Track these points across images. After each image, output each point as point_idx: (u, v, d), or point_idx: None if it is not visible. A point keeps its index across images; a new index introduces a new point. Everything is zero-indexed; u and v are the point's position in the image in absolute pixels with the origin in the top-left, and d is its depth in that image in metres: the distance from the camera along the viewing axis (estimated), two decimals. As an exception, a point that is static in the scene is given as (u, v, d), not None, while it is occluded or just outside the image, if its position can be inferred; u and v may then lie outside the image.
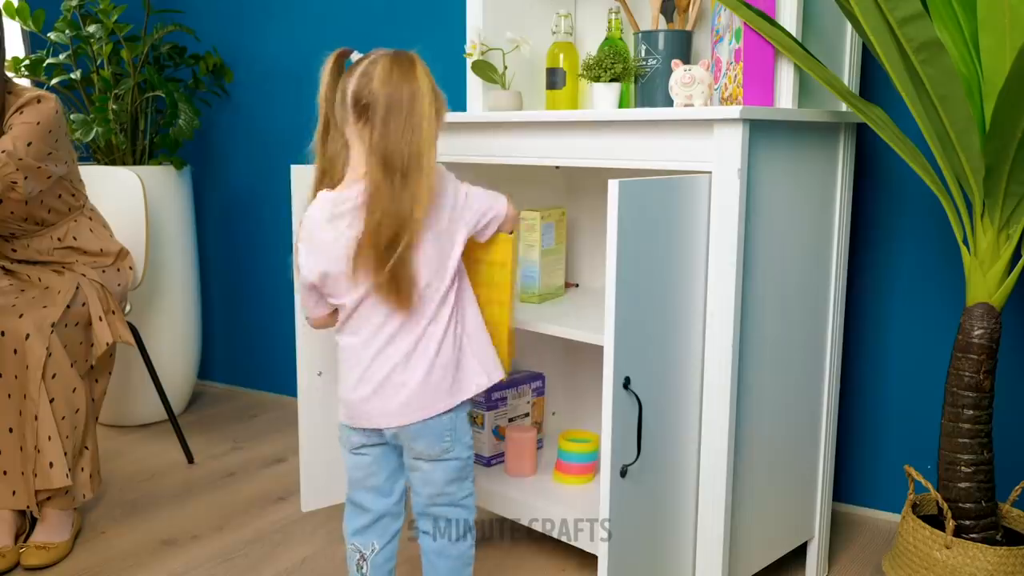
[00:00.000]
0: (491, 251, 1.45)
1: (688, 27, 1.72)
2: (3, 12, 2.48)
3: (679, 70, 1.52)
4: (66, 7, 2.55)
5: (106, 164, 2.63)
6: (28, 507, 1.82)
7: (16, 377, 1.80)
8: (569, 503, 1.74)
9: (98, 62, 2.59)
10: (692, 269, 1.42)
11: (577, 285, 2.09)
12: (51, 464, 1.79)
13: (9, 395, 1.81)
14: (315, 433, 1.82)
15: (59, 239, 2.01)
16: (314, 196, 1.34)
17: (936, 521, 1.54)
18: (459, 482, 1.40)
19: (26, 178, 1.83)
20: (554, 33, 1.85)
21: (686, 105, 1.51)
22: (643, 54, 1.69)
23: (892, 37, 1.34)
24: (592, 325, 1.60)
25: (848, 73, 1.63)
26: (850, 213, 1.69)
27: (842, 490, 2.08)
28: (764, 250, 1.47)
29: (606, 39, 1.82)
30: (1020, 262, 1.43)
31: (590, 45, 1.96)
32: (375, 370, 1.33)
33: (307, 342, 1.76)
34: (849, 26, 1.60)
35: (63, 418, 1.82)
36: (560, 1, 1.96)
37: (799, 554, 1.78)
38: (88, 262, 2.04)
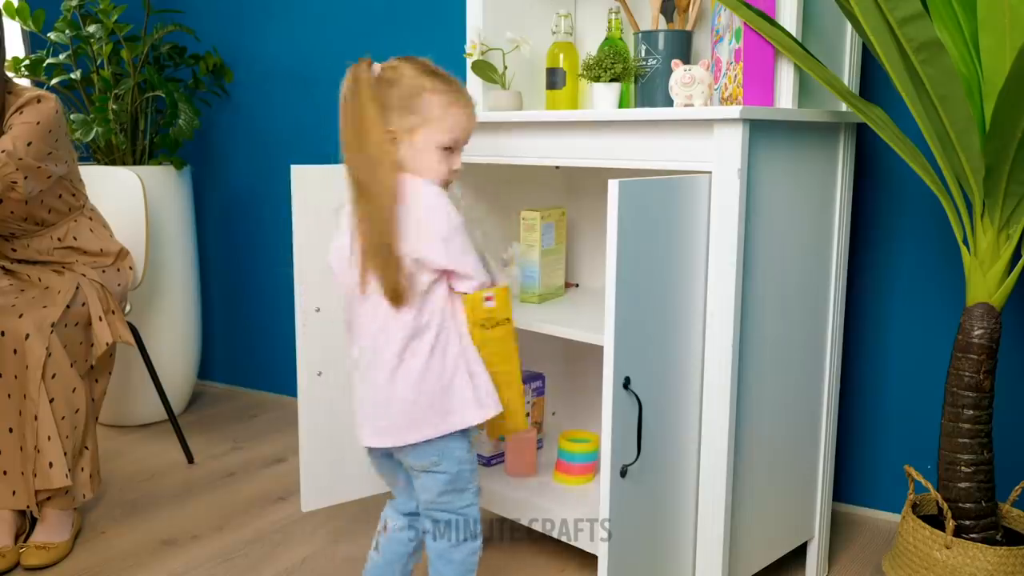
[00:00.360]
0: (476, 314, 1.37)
1: (688, 27, 1.72)
2: (3, 12, 2.49)
3: (679, 70, 1.52)
4: (66, 7, 2.55)
5: (106, 164, 2.63)
6: (28, 507, 1.82)
7: (16, 377, 1.80)
8: (569, 503, 1.74)
9: (98, 62, 2.59)
10: (692, 269, 1.42)
11: (577, 285, 2.09)
12: (51, 464, 1.79)
13: (9, 395, 1.81)
14: (315, 433, 1.82)
15: (59, 239, 2.01)
16: None
17: (936, 521, 1.54)
18: (454, 493, 1.38)
19: (26, 178, 1.83)
20: (554, 33, 1.85)
21: (686, 105, 1.51)
22: (643, 54, 1.69)
23: (892, 37, 1.34)
24: (592, 325, 1.60)
25: (848, 73, 1.63)
26: (850, 213, 1.69)
27: (842, 490, 2.08)
28: (764, 250, 1.47)
29: (606, 39, 1.82)
30: (1020, 262, 1.43)
31: (590, 45, 1.96)
32: (361, 389, 1.37)
33: (307, 342, 1.77)
34: (849, 26, 1.60)
35: (63, 418, 1.82)
36: (560, 1, 1.96)
37: (799, 554, 1.78)
38: (88, 262, 2.04)
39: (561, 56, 1.83)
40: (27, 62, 2.62)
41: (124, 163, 2.64)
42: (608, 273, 1.29)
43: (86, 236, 2.05)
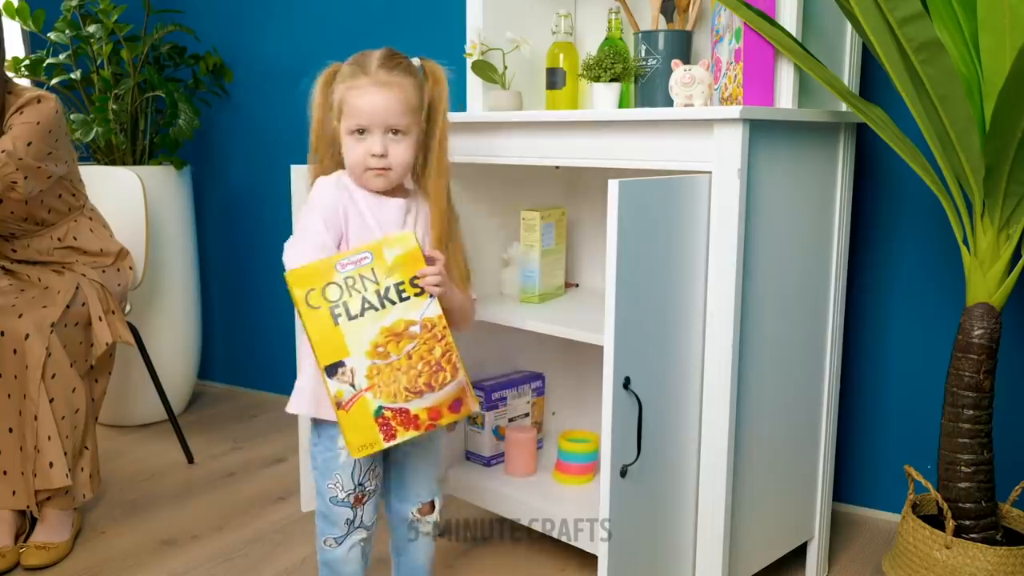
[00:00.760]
0: None
1: (688, 27, 1.72)
2: (3, 12, 2.49)
3: (679, 70, 1.52)
4: (66, 7, 2.55)
5: (106, 164, 2.63)
6: (28, 507, 1.82)
7: (16, 377, 1.80)
8: (569, 503, 1.74)
9: (98, 62, 2.59)
10: (692, 269, 1.42)
11: (577, 285, 2.09)
12: (51, 464, 1.79)
13: (9, 395, 1.81)
14: (315, 433, 1.82)
15: (59, 239, 2.01)
16: None
17: (936, 521, 1.54)
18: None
19: (26, 178, 1.83)
20: (554, 33, 1.85)
21: (686, 105, 1.51)
22: (643, 54, 1.69)
23: (892, 37, 1.34)
24: (592, 325, 1.60)
25: (848, 73, 1.63)
26: (850, 213, 1.69)
27: (842, 490, 2.08)
28: (764, 250, 1.47)
29: (606, 39, 1.82)
30: (1020, 262, 1.43)
31: (590, 45, 1.96)
32: None
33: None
34: (849, 26, 1.60)
35: (63, 418, 1.82)
36: (560, 1, 1.96)
37: (799, 554, 1.78)
38: (88, 262, 2.04)
39: (561, 56, 1.83)
40: (27, 62, 2.62)
41: (124, 163, 2.64)
42: (608, 273, 1.29)
43: (86, 236, 2.05)
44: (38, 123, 1.84)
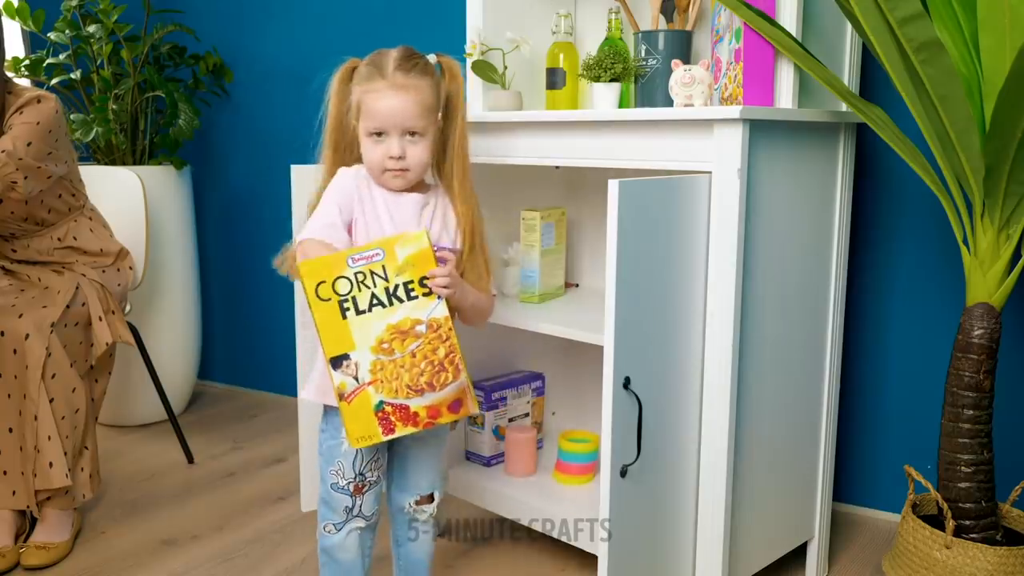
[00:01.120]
0: None
1: (688, 27, 1.72)
2: (3, 12, 2.49)
3: (679, 70, 1.52)
4: (66, 7, 2.55)
5: (106, 164, 2.63)
6: (28, 507, 1.82)
7: (16, 377, 1.80)
8: (569, 503, 1.74)
9: (98, 62, 2.59)
10: (692, 269, 1.42)
11: (577, 285, 2.09)
12: (51, 464, 1.79)
13: (9, 395, 1.81)
14: (315, 433, 1.81)
15: (59, 239, 2.01)
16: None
17: (936, 521, 1.54)
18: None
19: (26, 178, 1.83)
20: (554, 33, 1.85)
21: (686, 105, 1.51)
22: (643, 54, 1.69)
23: (892, 37, 1.34)
24: (592, 325, 1.60)
25: (848, 73, 1.63)
26: (850, 213, 1.69)
27: (842, 490, 2.08)
28: (764, 250, 1.47)
29: (606, 39, 1.82)
30: (1020, 262, 1.43)
31: (590, 45, 1.96)
32: None
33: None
34: (849, 26, 1.59)
35: (63, 418, 1.82)
36: (560, 1, 1.96)
37: (799, 554, 1.78)
38: (88, 262, 2.04)
39: (561, 56, 1.83)
40: (27, 62, 2.62)
41: (124, 163, 2.64)
42: (608, 273, 1.29)
43: (86, 236, 2.05)
44: (38, 123, 1.84)
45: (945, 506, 1.48)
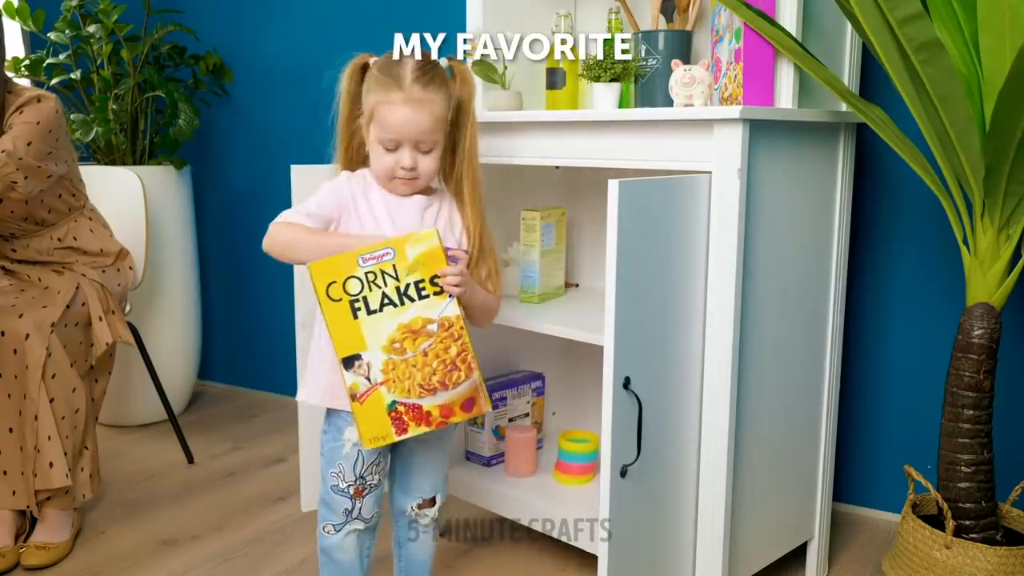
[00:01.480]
0: None
1: (688, 27, 1.72)
2: (3, 12, 2.49)
3: (679, 70, 1.52)
4: (66, 7, 2.55)
5: (106, 164, 2.63)
6: (28, 507, 1.82)
7: (16, 377, 1.80)
8: (569, 503, 1.74)
9: (98, 62, 2.59)
10: (692, 269, 1.42)
11: (577, 285, 2.09)
12: (51, 464, 1.79)
13: (9, 395, 1.81)
14: (315, 433, 1.81)
15: (59, 239, 2.01)
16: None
17: (936, 521, 1.54)
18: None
19: (26, 178, 1.83)
20: (554, 33, 1.85)
21: (686, 105, 1.51)
22: (643, 54, 1.69)
23: (892, 37, 1.34)
24: (592, 325, 1.60)
25: (848, 73, 1.63)
26: (850, 213, 1.69)
27: (842, 490, 2.08)
28: (764, 250, 1.47)
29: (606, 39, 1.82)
30: (1020, 262, 1.43)
31: (590, 45, 1.95)
32: None
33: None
34: (849, 26, 1.59)
35: (63, 418, 1.82)
36: (560, 1, 1.96)
37: (799, 554, 1.78)
38: (88, 262, 2.04)
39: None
40: (27, 62, 2.62)
41: (124, 163, 2.64)
42: (608, 273, 1.29)
43: (86, 236, 2.05)
44: (38, 123, 1.84)
45: (945, 506, 1.48)
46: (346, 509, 1.38)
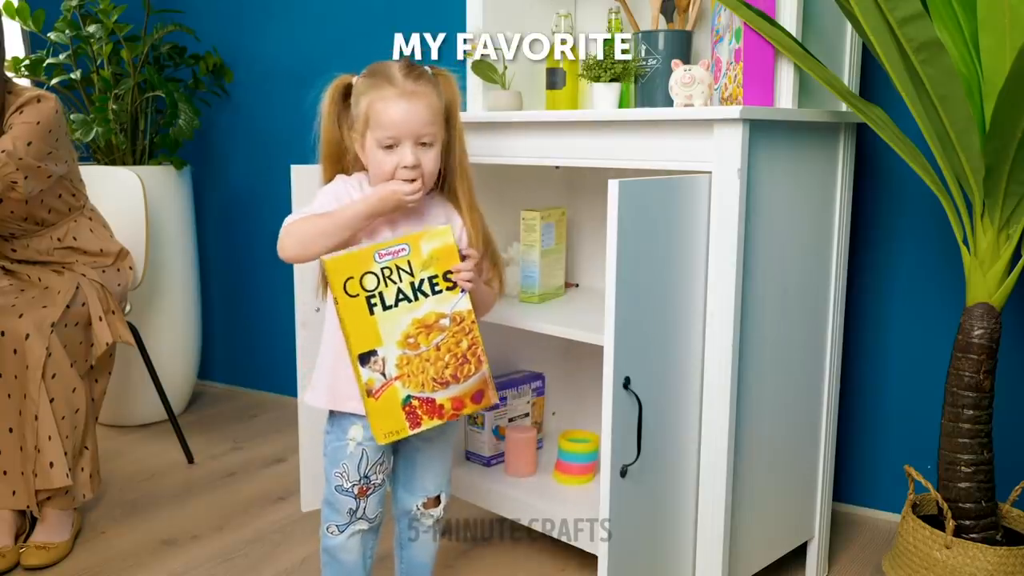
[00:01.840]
0: None
1: (688, 27, 1.72)
2: (3, 12, 2.49)
3: (679, 70, 1.52)
4: (66, 7, 2.55)
5: (106, 164, 2.63)
6: (28, 507, 1.82)
7: (16, 377, 1.80)
8: (569, 503, 1.74)
9: (98, 62, 2.59)
10: (692, 269, 1.42)
11: (577, 285, 2.09)
12: (51, 464, 1.79)
13: (9, 395, 1.81)
14: (315, 433, 1.82)
15: (59, 239, 2.01)
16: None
17: (936, 521, 1.54)
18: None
19: (26, 178, 1.83)
20: (554, 33, 1.85)
21: (686, 105, 1.51)
22: (643, 54, 1.69)
23: (892, 37, 1.34)
24: (592, 325, 1.60)
25: (848, 73, 1.63)
26: (850, 213, 1.69)
27: (842, 490, 2.08)
28: (764, 250, 1.47)
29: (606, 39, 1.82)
30: (1020, 262, 1.43)
31: (590, 45, 1.95)
32: None
33: (307, 342, 1.76)
34: (849, 26, 1.59)
35: (63, 418, 1.82)
36: (560, 1, 1.97)
37: (799, 554, 1.78)
38: (88, 262, 2.04)
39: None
40: (27, 62, 2.62)
41: (124, 163, 2.64)
42: (608, 273, 1.29)
43: (86, 236, 2.05)
44: (38, 123, 1.84)
45: (945, 506, 1.48)
46: (350, 509, 1.38)
